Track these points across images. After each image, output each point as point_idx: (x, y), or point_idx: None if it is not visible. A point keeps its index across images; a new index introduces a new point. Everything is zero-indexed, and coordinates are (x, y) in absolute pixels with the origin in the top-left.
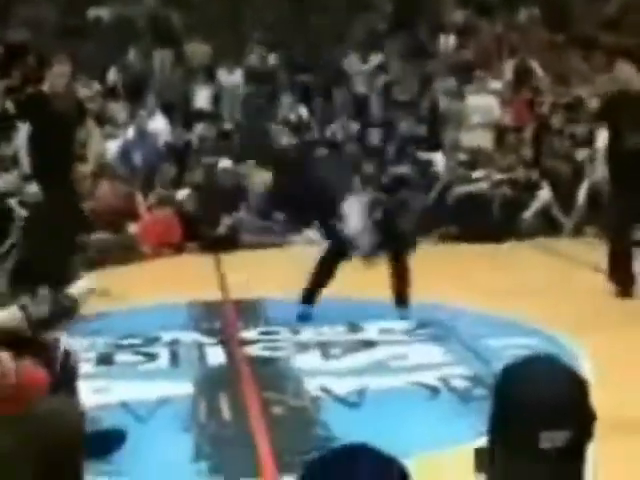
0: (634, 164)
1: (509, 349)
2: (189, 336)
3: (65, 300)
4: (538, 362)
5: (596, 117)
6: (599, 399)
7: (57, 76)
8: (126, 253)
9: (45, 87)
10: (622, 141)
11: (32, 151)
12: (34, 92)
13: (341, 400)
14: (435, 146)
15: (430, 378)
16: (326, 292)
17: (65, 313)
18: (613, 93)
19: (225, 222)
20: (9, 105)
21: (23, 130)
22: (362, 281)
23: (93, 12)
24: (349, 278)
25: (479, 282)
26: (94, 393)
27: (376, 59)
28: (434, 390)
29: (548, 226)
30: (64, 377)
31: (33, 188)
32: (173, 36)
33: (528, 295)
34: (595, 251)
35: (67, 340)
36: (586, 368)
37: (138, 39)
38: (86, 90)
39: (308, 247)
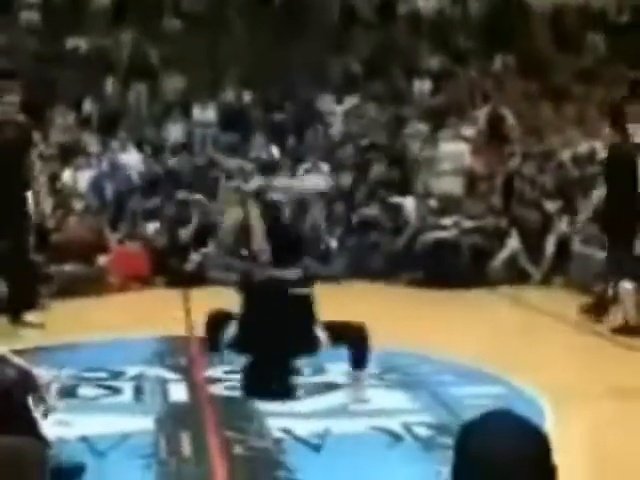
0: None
1: (474, 398)
2: (154, 371)
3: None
4: (497, 418)
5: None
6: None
7: (7, 105)
8: (95, 285)
9: None
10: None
11: None
12: None
13: (303, 442)
14: (406, 190)
15: (393, 424)
16: None
17: None
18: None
19: (194, 258)
20: None
21: None
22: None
23: (71, 42)
24: None
25: (446, 329)
26: (55, 426)
27: (350, 101)
28: (396, 436)
29: (516, 275)
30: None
31: None
32: (150, 69)
33: (493, 342)
34: (561, 301)
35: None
36: (548, 417)
37: (115, 71)
38: (61, 119)
39: None
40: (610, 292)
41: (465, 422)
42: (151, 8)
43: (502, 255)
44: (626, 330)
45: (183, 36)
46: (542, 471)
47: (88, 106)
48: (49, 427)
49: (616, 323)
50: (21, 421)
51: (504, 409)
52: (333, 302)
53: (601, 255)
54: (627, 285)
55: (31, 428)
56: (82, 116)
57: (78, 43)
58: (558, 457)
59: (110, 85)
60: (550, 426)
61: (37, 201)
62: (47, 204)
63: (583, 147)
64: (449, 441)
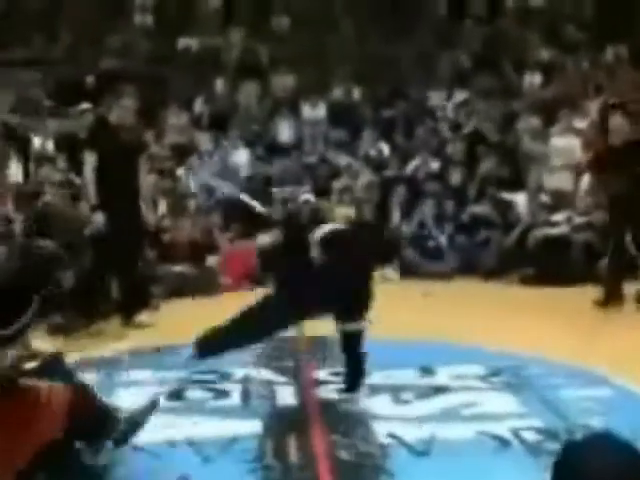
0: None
1: (584, 401)
2: (261, 374)
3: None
4: (600, 440)
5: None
6: None
7: (123, 109)
8: (205, 285)
9: (112, 118)
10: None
11: (99, 181)
12: (101, 123)
13: (409, 448)
14: (517, 186)
15: (501, 429)
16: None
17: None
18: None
19: None
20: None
21: (90, 160)
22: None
23: (183, 42)
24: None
25: (555, 328)
26: (162, 428)
27: (460, 96)
28: (504, 441)
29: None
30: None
31: (99, 218)
32: (259, 68)
33: (605, 342)
34: None
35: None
36: None
37: (225, 70)
38: (175, 120)
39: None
40: None
41: (567, 443)
42: (260, 7)
43: None
44: None
45: (292, 34)
46: None
47: (199, 106)
48: (156, 430)
49: None
50: None
51: (608, 432)
52: (444, 299)
53: None
54: None
55: None
56: (194, 116)
57: (189, 43)
58: None
59: (220, 84)
60: None
61: (150, 202)
62: (160, 205)
63: None
64: (557, 446)
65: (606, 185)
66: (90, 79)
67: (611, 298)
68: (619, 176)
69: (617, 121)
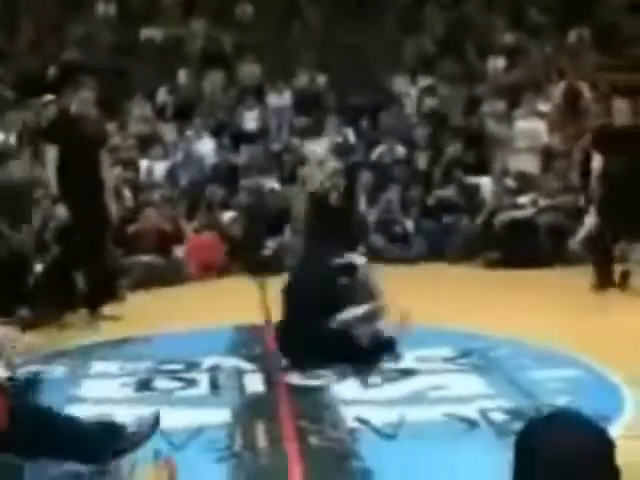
0: (617, 188)
1: (551, 381)
2: (230, 362)
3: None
4: (562, 417)
5: (589, 146)
6: None
7: (83, 100)
8: (171, 276)
9: (72, 110)
10: (608, 168)
11: (61, 174)
12: (62, 114)
13: (377, 431)
14: (482, 170)
15: (469, 410)
16: None
17: None
18: (600, 126)
19: (270, 245)
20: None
21: (51, 152)
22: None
23: (146, 32)
24: None
25: (523, 309)
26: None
27: (425, 82)
28: (472, 423)
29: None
30: None
31: (62, 211)
32: (224, 57)
33: (572, 323)
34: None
35: None
36: (627, 401)
37: (189, 60)
38: (139, 110)
39: None
40: None
41: (529, 420)
42: None
43: (581, 233)
44: None
45: (256, 22)
46: (605, 471)
47: (163, 96)
48: (128, 419)
49: None
50: None
51: (571, 410)
52: (410, 284)
53: None
54: None
55: None
56: (157, 106)
57: (152, 33)
58: (634, 441)
59: (184, 74)
60: (629, 409)
61: (114, 193)
62: (124, 196)
63: None
64: None
65: (606, 166)
66: (52, 70)
67: (605, 280)
68: (618, 158)
69: (619, 104)
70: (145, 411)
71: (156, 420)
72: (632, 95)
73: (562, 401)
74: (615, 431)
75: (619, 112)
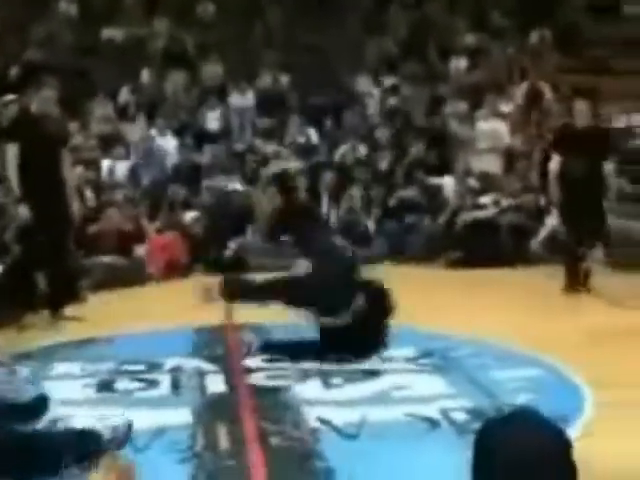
0: (576, 189)
1: (512, 381)
2: (191, 363)
3: None
4: (519, 418)
5: (549, 147)
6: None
7: (44, 99)
8: (133, 276)
9: (33, 109)
10: (567, 169)
11: (22, 173)
12: (23, 114)
13: (339, 431)
14: (444, 170)
15: (430, 410)
16: None
17: None
18: (561, 126)
19: (232, 245)
20: None
21: (12, 151)
22: None
23: (107, 32)
24: None
25: (484, 310)
26: (92, 420)
27: (388, 82)
28: (434, 423)
29: (557, 252)
30: None
31: (23, 210)
32: (186, 57)
33: (533, 323)
34: (604, 278)
35: None
36: (587, 400)
37: (151, 60)
38: (101, 110)
39: None
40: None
41: (487, 420)
42: None
43: (542, 233)
44: None
45: (218, 22)
46: (563, 471)
47: (125, 96)
48: (87, 422)
49: None
50: None
51: (529, 409)
52: None
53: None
54: None
55: None
56: (119, 106)
57: (114, 33)
58: (593, 441)
59: (147, 74)
60: (588, 409)
61: (76, 193)
62: (86, 196)
63: (621, 122)
64: None
65: (566, 167)
66: (14, 70)
67: (574, 281)
68: (578, 159)
69: (580, 106)
70: (107, 412)
71: (129, 426)
72: (592, 97)
73: (522, 400)
74: (574, 431)
75: (580, 113)
